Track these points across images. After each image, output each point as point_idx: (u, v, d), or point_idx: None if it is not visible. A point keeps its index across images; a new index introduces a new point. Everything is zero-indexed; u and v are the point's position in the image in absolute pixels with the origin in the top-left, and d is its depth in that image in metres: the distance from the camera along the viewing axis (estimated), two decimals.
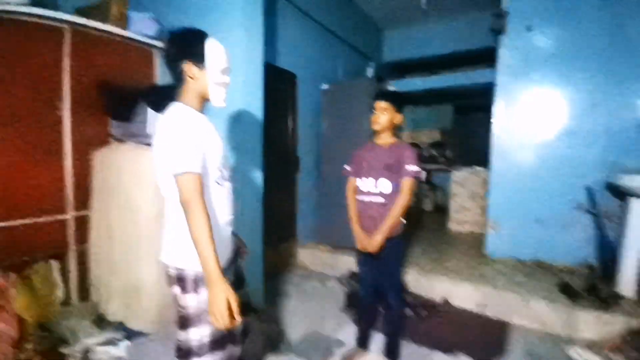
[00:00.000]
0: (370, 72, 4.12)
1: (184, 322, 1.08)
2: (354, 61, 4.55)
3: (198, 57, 1.07)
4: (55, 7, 2.05)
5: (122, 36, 2.28)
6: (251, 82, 2.38)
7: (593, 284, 2.43)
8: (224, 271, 1.01)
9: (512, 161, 3.04)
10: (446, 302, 2.57)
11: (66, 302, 2.11)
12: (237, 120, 2.32)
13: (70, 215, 2.16)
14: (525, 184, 2.98)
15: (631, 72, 2.61)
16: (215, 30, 2.31)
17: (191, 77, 1.09)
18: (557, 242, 2.88)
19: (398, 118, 1.74)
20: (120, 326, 2.05)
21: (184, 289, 1.07)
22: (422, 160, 5.68)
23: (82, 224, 2.22)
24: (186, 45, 1.08)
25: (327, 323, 2.31)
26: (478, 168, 4.20)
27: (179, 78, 1.10)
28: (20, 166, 1.98)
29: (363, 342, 1.96)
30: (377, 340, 2.01)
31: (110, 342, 1.89)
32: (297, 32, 3.45)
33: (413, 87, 4.92)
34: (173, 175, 0.99)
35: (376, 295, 1.87)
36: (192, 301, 1.06)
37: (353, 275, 2.89)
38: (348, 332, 2.14)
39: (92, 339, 1.87)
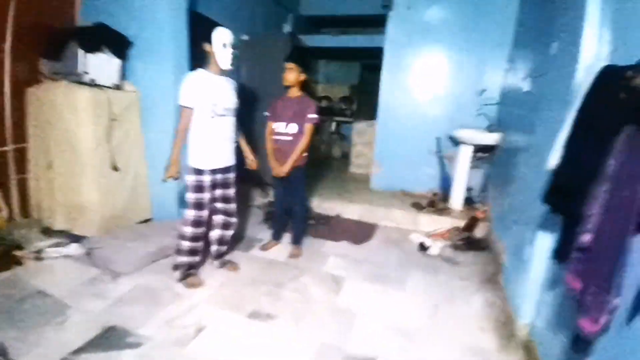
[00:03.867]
0: (286, 27, 4.48)
1: (186, 189, 1.94)
2: (272, 11, 4.81)
3: (209, 40, 1.84)
4: None
5: None
6: (178, 29, 2.62)
7: (432, 201, 3.62)
8: (216, 171, 1.97)
9: (391, 116, 3.96)
10: (338, 216, 3.53)
11: (10, 219, 2.33)
12: (166, 61, 2.59)
13: (9, 147, 2.30)
14: (399, 134, 3.96)
15: (474, 49, 3.58)
16: None
17: (208, 52, 1.87)
18: (415, 177, 4.00)
19: (303, 76, 2.32)
20: (66, 233, 2.39)
21: (186, 173, 1.93)
22: (332, 113, 6.45)
23: (20, 155, 2.38)
24: (204, 33, 1.85)
25: (250, 230, 3.03)
26: (374, 121, 5.12)
27: (203, 52, 1.89)
28: None
29: (276, 237, 2.73)
30: (287, 236, 2.78)
31: (60, 244, 2.24)
32: None
33: (325, 44, 5.44)
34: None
35: (286, 210, 2.60)
36: (186, 178, 1.94)
37: (269, 203, 3.58)
38: (265, 234, 2.89)
39: (41, 243, 2.19)
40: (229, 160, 2.06)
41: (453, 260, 2.63)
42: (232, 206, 2.17)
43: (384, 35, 3.85)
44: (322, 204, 3.63)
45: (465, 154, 3.42)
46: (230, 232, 2.23)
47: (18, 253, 2.12)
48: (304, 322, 1.82)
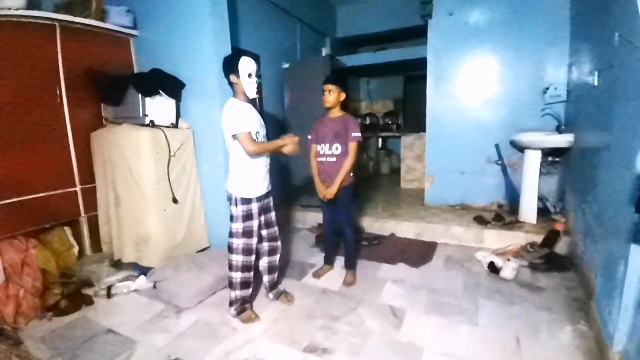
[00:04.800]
0: (324, 50, 4.56)
1: (231, 218, 1.96)
2: (311, 38, 4.94)
3: (235, 71, 1.84)
4: (38, 4, 2.31)
5: (102, 28, 2.59)
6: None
7: (499, 215, 3.26)
8: (260, 198, 1.97)
9: (442, 125, 3.73)
10: (392, 235, 3.34)
11: (80, 256, 2.57)
12: (214, 97, 2.71)
13: (78, 188, 2.58)
14: (452, 144, 3.70)
15: (528, 47, 3.27)
16: (186, 19, 2.70)
17: (235, 83, 1.87)
18: (476, 188, 3.67)
19: (343, 96, 2.28)
20: (134, 265, 2.55)
21: (230, 203, 1.95)
22: (377, 129, 6.32)
23: (88, 195, 2.64)
24: (229, 65, 1.87)
25: (302, 254, 3.00)
26: (422, 133, 4.88)
27: (230, 83, 1.90)
28: (35, 148, 2.33)
29: (329, 261, 2.65)
30: (340, 260, 2.66)
31: (128, 279, 2.39)
32: (257, 16, 3.79)
33: (365, 61, 5.43)
34: (233, 136, 1.83)
35: (336, 231, 2.52)
36: (233, 209, 1.95)
37: (319, 225, 3.52)
38: (318, 257, 2.83)
39: (112, 277, 2.35)
40: (269, 185, 2.08)
41: (533, 285, 2.28)
42: (275, 229, 2.17)
43: (425, 45, 3.71)
44: (375, 223, 3.48)
45: (532, 160, 3.05)
46: (277, 257, 2.21)
47: (88, 291, 2.29)
48: (363, 357, 1.68)
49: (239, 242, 1.95)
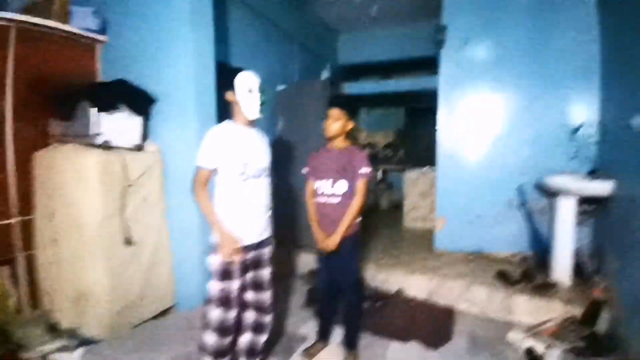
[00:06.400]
0: (325, 74, 4.20)
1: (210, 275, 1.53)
2: (310, 63, 4.60)
3: (231, 87, 1.52)
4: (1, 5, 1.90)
5: (65, 31, 2.17)
6: (202, 79, 2.33)
7: (527, 271, 2.72)
8: (249, 247, 1.51)
9: (455, 163, 3.29)
10: (400, 292, 2.74)
11: (18, 310, 1.98)
12: (191, 117, 2.28)
13: (15, 220, 2.01)
14: (467, 184, 3.24)
15: (553, 79, 2.93)
16: (161, 25, 2.28)
17: (232, 102, 1.55)
18: (495, 234, 3.17)
19: (350, 125, 1.81)
20: (73, 333, 1.94)
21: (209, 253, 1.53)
22: (377, 160, 5.90)
23: (28, 229, 2.07)
24: (225, 80, 1.57)
25: (291, 319, 2.37)
26: (427, 168, 4.46)
27: (227, 103, 1.59)
28: None
29: (324, 335, 2.03)
30: (338, 332, 2.08)
31: (65, 349, 1.81)
32: (252, 33, 3.42)
33: (366, 90, 5.12)
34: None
35: (335, 290, 1.94)
36: (211, 259, 1.51)
37: (313, 273, 2.94)
38: (309, 326, 2.22)
39: (47, 346, 1.78)
40: (264, 232, 1.60)
41: None
42: (266, 297, 1.62)
43: (432, 76, 3.39)
44: (378, 274, 2.90)
45: (567, 209, 2.56)
46: (263, 338, 1.65)
47: (25, 355, 1.73)
48: None
49: (213, 315, 1.49)
